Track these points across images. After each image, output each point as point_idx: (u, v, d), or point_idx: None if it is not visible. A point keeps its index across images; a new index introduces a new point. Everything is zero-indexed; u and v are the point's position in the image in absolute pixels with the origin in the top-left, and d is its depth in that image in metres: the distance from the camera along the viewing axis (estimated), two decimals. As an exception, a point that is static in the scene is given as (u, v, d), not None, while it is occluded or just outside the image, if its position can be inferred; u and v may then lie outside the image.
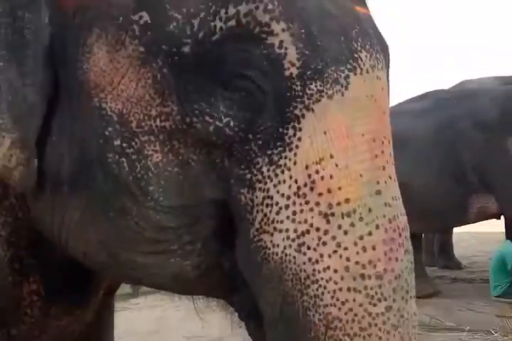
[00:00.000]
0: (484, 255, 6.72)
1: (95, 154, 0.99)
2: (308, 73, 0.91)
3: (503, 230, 5.96)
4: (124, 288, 1.46)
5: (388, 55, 1.08)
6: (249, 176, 0.94)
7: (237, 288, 1.05)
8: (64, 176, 1.02)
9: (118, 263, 1.08)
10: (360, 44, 0.97)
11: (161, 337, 4.76)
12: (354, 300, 0.90)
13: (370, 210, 0.93)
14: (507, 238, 5.54)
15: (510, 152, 5.11)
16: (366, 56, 0.97)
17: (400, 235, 0.95)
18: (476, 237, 6.95)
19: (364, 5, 1.09)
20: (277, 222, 0.92)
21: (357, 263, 0.91)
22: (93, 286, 1.38)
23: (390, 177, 0.98)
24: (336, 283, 0.90)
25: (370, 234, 0.92)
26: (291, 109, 0.92)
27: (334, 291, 0.90)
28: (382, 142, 0.97)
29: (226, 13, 0.90)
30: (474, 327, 4.60)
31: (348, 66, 0.94)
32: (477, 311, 5.05)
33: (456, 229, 6.94)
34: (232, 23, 0.90)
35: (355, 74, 0.94)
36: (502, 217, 5.54)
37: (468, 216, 5.39)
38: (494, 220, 5.74)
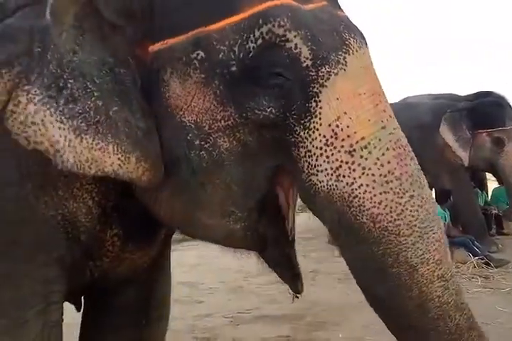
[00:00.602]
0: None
1: (181, 153, 1.28)
2: (318, 62, 1.22)
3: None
4: (177, 235, 1.80)
5: (365, 39, 1.36)
6: (293, 140, 1.24)
7: (266, 247, 1.39)
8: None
9: (191, 224, 1.42)
10: (347, 34, 1.28)
11: (202, 268, 6.05)
12: (386, 199, 1.19)
13: (379, 140, 1.22)
14: (438, 203, 6.29)
15: (438, 143, 6.81)
16: (353, 41, 1.28)
17: (405, 149, 1.26)
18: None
19: (340, 8, 1.39)
20: (318, 165, 1.22)
21: (380, 175, 1.20)
22: (158, 232, 1.68)
23: (390, 116, 1.28)
24: (370, 192, 1.19)
25: (383, 154, 1.21)
26: (311, 88, 1.22)
27: (371, 198, 1.19)
28: (379, 94, 1.28)
29: (254, 35, 1.19)
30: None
31: (343, 50, 1.25)
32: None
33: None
34: (260, 41, 1.19)
35: (349, 54, 1.25)
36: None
37: None
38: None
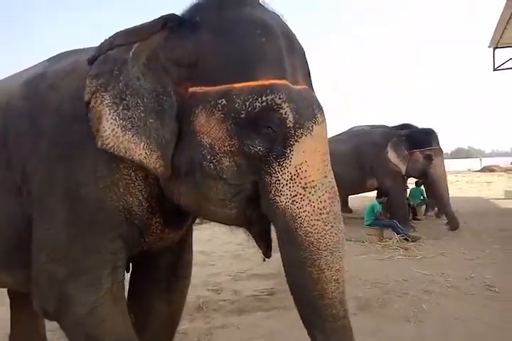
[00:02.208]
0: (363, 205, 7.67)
1: (197, 162, 1.29)
2: (297, 126, 1.25)
3: (375, 194, 7.32)
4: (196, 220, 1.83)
5: (324, 114, 1.36)
6: (269, 170, 1.26)
7: (253, 224, 1.41)
8: (181, 171, 1.32)
9: (201, 210, 1.42)
10: (316, 110, 1.31)
11: (213, 242, 6.17)
12: (317, 224, 1.24)
13: (322, 184, 1.27)
14: (376, 198, 6.86)
15: (386, 157, 6.92)
16: (319, 116, 1.31)
17: (335, 194, 1.30)
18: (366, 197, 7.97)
19: (313, 90, 1.41)
20: (282, 191, 1.25)
21: (318, 207, 1.25)
22: (186, 220, 1.70)
23: (329, 170, 1.32)
24: (308, 217, 1.24)
25: (323, 195, 1.26)
26: (288, 141, 1.25)
27: (308, 221, 1.24)
28: (326, 154, 1.32)
29: (261, 99, 1.22)
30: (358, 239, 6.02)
31: (313, 121, 1.28)
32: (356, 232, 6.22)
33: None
34: (264, 103, 1.22)
35: (316, 124, 1.29)
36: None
37: (365, 188, 7.57)
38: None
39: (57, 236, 1.41)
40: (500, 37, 10.44)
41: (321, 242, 1.24)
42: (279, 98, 1.23)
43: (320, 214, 1.25)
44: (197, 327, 3.10)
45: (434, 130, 7.23)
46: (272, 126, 1.24)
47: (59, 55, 1.72)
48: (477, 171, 26.71)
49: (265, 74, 1.24)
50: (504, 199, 10.77)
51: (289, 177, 1.25)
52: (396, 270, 4.43)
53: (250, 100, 1.22)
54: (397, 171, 6.94)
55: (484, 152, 61.24)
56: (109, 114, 1.27)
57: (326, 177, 1.29)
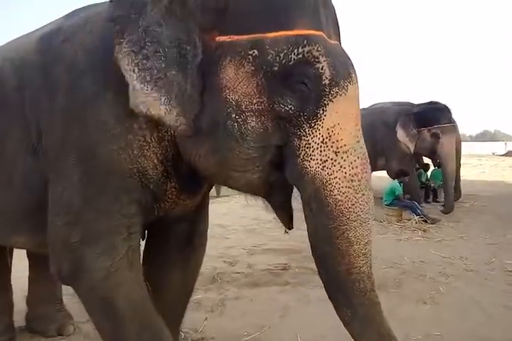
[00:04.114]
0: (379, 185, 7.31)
1: (221, 120, 1.19)
2: (333, 83, 1.16)
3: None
4: (213, 193, 1.75)
5: (357, 73, 1.28)
6: (299, 132, 1.18)
7: (274, 193, 1.34)
8: (201, 130, 1.22)
9: (221, 174, 1.33)
10: (351, 69, 1.23)
11: (229, 216, 6.20)
12: (348, 192, 1.17)
13: (355, 150, 1.19)
14: (392, 178, 6.67)
15: (397, 138, 6.71)
16: (354, 75, 1.23)
17: (367, 161, 1.23)
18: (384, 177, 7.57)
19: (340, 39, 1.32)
20: (312, 155, 1.17)
21: (349, 174, 1.18)
22: (201, 186, 1.62)
23: (361, 135, 1.24)
24: (339, 184, 1.17)
25: (355, 160, 1.19)
26: (322, 100, 1.16)
27: (339, 188, 1.17)
28: (358, 117, 1.23)
29: (297, 50, 1.13)
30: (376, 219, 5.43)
31: (348, 80, 1.19)
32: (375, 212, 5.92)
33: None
34: (300, 56, 1.13)
35: (351, 84, 1.20)
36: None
37: (376, 167, 7.01)
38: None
39: (71, 199, 1.37)
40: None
41: (351, 212, 1.18)
42: (317, 50, 1.14)
43: (351, 180, 1.18)
44: (211, 297, 3.11)
45: (447, 107, 6.81)
46: (306, 82, 1.15)
47: (75, 10, 1.64)
48: (502, 155, 25.98)
49: (302, 24, 1.15)
50: (528, 184, 10.45)
51: (321, 140, 1.17)
52: (414, 251, 4.35)
53: (285, 51, 1.13)
54: (405, 152, 6.72)
55: (510, 136, 59.34)
56: (127, 64, 1.16)
57: (358, 142, 1.21)
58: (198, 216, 1.84)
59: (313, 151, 1.17)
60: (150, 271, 1.68)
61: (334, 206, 1.17)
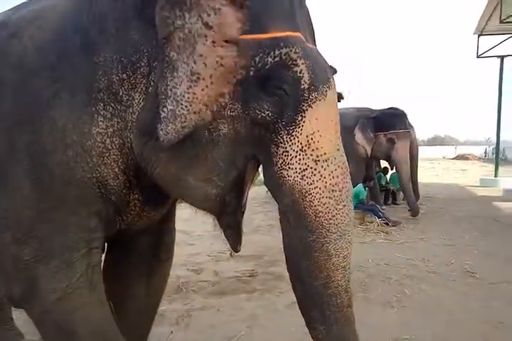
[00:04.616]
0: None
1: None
2: (312, 87, 1.08)
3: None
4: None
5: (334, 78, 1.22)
6: (276, 139, 1.10)
7: (227, 212, 1.24)
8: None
9: (177, 183, 1.20)
10: (329, 74, 1.15)
11: (193, 221, 5.40)
12: (328, 202, 1.09)
13: (335, 158, 1.12)
14: (362, 182, 6.59)
15: (355, 141, 6.81)
16: (332, 80, 1.15)
17: (347, 170, 1.15)
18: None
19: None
20: (290, 163, 1.09)
21: (330, 184, 1.10)
22: (167, 197, 1.47)
23: (341, 142, 1.17)
24: (320, 194, 1.09)
25: (335, 169, 1.11)
26: (301, 105, 1.08)
27: (319, 198, 1.09)
28: (338, 124, 1.16)
29: (274, 53, 1.04)
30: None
31: (327, 85, 1.12)
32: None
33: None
34: (277, 58, 1.04)
35: (329, 89, 1.12)
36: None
37: None
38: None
39: (22, 213, 1.22)
40: (486, 24, 10.45)
41: (331, 223, 1.10)
42: (295, 52, 1.05)
43: (332, 191, 1.10)
44: (176, 308, 2.98)
45: (404, 113, 7.06)
46: (284, 87, 1.07)
47: (23, 3, 1.48)
48: (452, 159, 27.25)
49: (278, 26, 1.06)
50: (479, 186, 10.95)
51: (299, 148, 1.09)
52: (378, 254, 4.39)
53: (261, 55, 1.04)
54: (362, 155, 6.85)
55: (459, 140, 62.51)
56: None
57: (338, 150, 1.14)
58: (165, 227, 1.71)
59: (291, 159, 1.09)
60: (111, 287, 1.53)
61: (314, 218, 1.09)
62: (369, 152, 6.86)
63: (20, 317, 2.39)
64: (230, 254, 1.36)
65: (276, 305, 3.04)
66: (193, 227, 5.60)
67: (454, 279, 3.63)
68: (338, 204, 1.11)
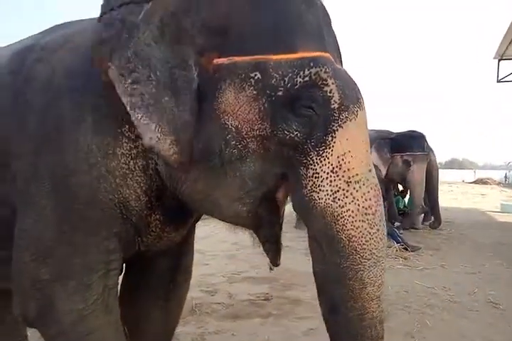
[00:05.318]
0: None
1: (217, 147, 1.08)
2: (342, 107, 1.06)
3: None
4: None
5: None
6: (305, 161, 1.06)
7: (263, 226, 1.21)
8: (193, 156, 1.09)
9: (206, 202, 1.20)
10: (359, 94, 1.13)
11: (208, 240, 5.86)
12: (362, 226, 1.04)
13: (367, 179, 1.08)
14: None
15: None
16: (362, 101, 1.13)
17: (380, 192, 1.11)
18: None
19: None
20: (321, 186, 1.05)
21: (363, 207, 1.05)
22: (189, 219, 1.48)
23: (372, 162, 1.14)
24: (353, 217, 1.04)
25: (368, 192, 1.06)
26: (331, 126, 1.05)
27: (352, 222, 1.04)
28: (368, 144, 1.14)
29: (304, 73, 1.02)
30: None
31: (357, 105, 1.09)
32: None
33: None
34: (307, 78, 1.03)
35: (360, 109, 1.10)
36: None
37: None
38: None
39: (42, 232, 1.21)
40: (506, 48, 10.41)
41: (365, 249, 1.05)
42: (325, 72, 1.04)
43: (365, 214, 1.05)
44: (189, 331, 2.89)
45: (423, 135, 6.97)
46: (313, 107, 1.04)
47: (53, 27, 1.51)
48: (471, 183, 26.68)
49: (308, 46, 1.05)
50: (500, 212, 10.64)
51: (330, 169, 1.05)
52: (397, 280, 4.24)
53: (290, 75, 1.02)
54: (377, 175, 6.72)
55: (478, 164, 61.45)
56: (117, 88, 1.04)
57: (370, 171, 1.10)
58: (183, 248, 1.69)
59: (322, 181, 1.05)
60: (127, 311, 1.50)
61: (347, 242, 1.04)
62: (384, 172, 6.69)
63: (34, 336, 2.37)
64: (270, 268, 1.32)
65: (292, 331, 2.92)
66: (207, 246, 5.58)
67: (478, 310, 3.46)
68: (372, 228, 1.06)
